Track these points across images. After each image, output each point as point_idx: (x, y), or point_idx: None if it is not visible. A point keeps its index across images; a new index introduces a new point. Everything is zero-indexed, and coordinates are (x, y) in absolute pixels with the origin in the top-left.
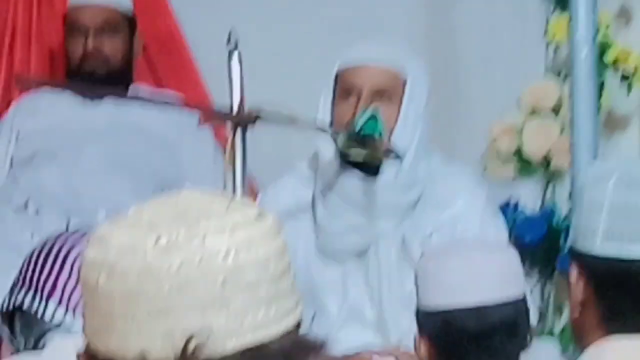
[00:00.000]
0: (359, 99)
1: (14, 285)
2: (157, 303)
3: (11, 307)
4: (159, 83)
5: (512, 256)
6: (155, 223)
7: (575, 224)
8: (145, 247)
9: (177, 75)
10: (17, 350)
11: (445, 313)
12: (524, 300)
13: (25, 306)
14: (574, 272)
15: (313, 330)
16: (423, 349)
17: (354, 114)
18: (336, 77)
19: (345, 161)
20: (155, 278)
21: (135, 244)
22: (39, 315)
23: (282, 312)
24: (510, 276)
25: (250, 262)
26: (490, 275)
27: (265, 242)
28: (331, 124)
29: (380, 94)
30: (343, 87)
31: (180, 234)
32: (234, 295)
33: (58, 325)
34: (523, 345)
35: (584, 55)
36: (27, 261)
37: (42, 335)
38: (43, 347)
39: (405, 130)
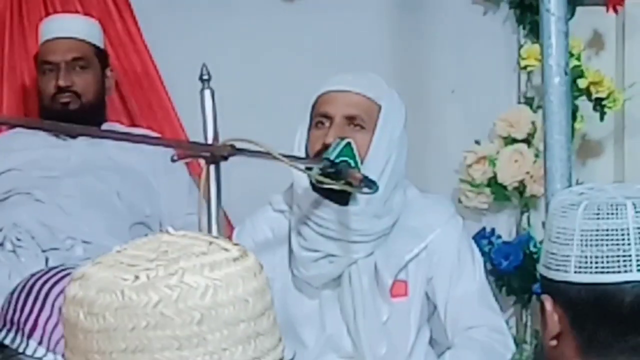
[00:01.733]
0: (332, 125)
1: None
2: (134, 340)
3: None
4: (133, 119)
5: None
6: (135, 262)
7: (546, 253)
8: (124, 285)
9: (151, 111)
10: None
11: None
12: None
13: (6, 342)
14: (548, 303)
15: None
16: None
17: (326, 143)
18: (313, 107)
19: (320, 191)
20: (133, 315)
21: (114, 282)
22: (20, 351)
23: (261, 351)
24: None
25: (228, 300)
26: None
27: (245, 281)
28: (307, 155)
29: (352, 121)
30: (317, 115)
31: (159, 272)
32: (211, 332)
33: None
34: None
35: (557, 82)
36: (8, 300)
37: None
38: None
39: (377, 158)
